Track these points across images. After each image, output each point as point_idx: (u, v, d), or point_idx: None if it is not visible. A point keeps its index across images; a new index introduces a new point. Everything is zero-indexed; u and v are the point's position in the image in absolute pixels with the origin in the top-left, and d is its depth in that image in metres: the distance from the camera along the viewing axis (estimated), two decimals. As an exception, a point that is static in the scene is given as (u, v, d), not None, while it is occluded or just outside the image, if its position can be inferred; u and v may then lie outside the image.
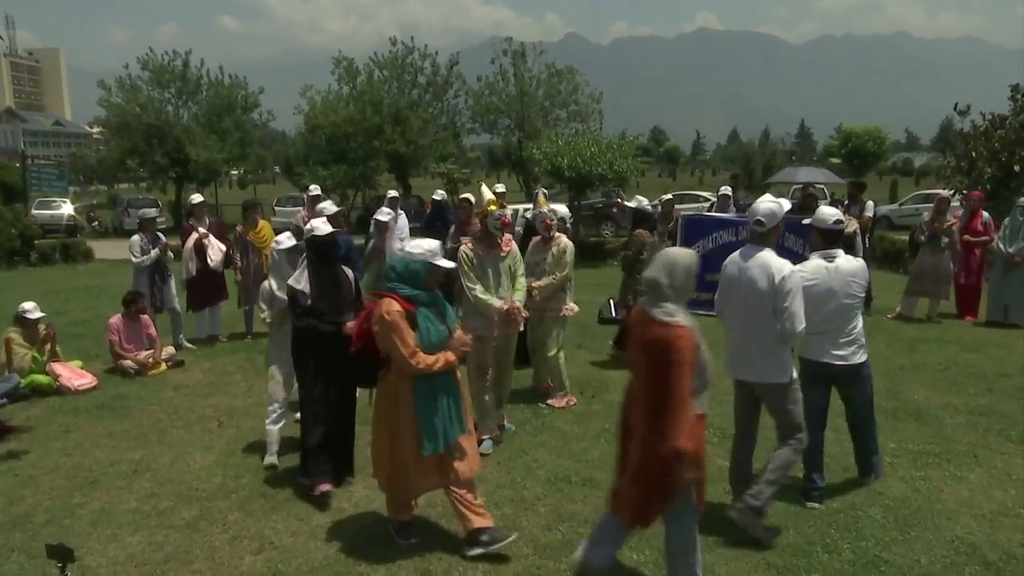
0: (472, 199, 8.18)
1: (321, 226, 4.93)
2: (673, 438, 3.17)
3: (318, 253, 4.91)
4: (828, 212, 4.73)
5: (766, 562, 4.00)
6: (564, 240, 6.69)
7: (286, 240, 5.40)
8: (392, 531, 4.28)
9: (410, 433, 3.96)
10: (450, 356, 3.99)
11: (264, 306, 5.48)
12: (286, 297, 5.01)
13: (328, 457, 4.90)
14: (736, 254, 4.47)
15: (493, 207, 5.61)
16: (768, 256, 4.27)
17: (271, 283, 5.38)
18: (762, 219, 4.31)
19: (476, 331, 5.43)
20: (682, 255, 3.43)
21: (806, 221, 4.95)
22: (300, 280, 4.85)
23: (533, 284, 6.26)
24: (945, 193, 10.41)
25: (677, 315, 3.29)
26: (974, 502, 4.70)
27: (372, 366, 4.08)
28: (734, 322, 4.55)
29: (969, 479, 5.06)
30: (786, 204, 4.47)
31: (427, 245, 4.03)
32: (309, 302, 4.80)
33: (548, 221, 6.61)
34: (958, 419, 6.15)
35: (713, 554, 4.09)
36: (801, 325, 4.12)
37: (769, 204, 4.36)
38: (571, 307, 6.76)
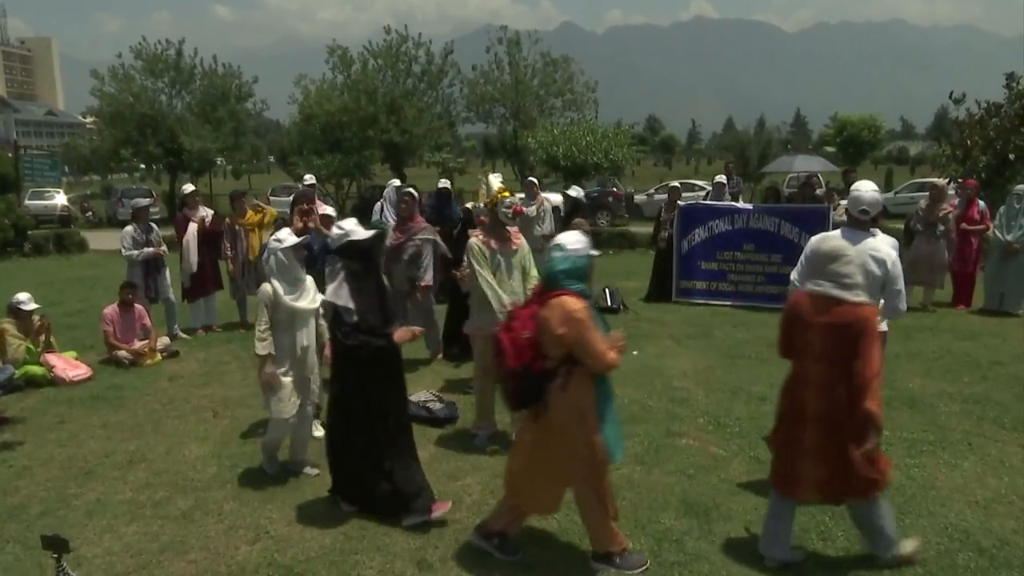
0: (415, 193, 7.93)
1: (357, 228, 4.40)
2: (871, 402, 3.44)
3: (361, 260, 4.37)
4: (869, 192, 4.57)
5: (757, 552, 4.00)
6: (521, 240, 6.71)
7: (288, 237, 4.82)
8: (495, 546, 3.97)
9: (592, 443, 3.64)
10: (617, 351, 3.66)
11: (264, 320, 4.72)
12: (297, 306, 4.68)
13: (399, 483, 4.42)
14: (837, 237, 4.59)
15: (505, 194, 5.45)
16: (878, 242, 4.47)
17: (273, 287, 4.72)
18: (867, 208, 4.49)
19: (484, 330, 5.25)
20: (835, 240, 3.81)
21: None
22: (340, 294, 4.28)
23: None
24: (940, 181, 10.40)
25: (863, 295, 3.55)
26: (968, 489, 4.72)
27: (542, 379, 3.59)
28: None
29: (963, 467, 5.07)
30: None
31: (583, 239, 3.74)
32: (355, 318, 4.25)
33: (516, 207, 6.46)
34: (952, 407, 6.17)
35: (706, 542, 4.10)
36: (905, 305, 4.52)
37: (873, 193, 4.56)
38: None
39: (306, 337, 4.84)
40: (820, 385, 3.58)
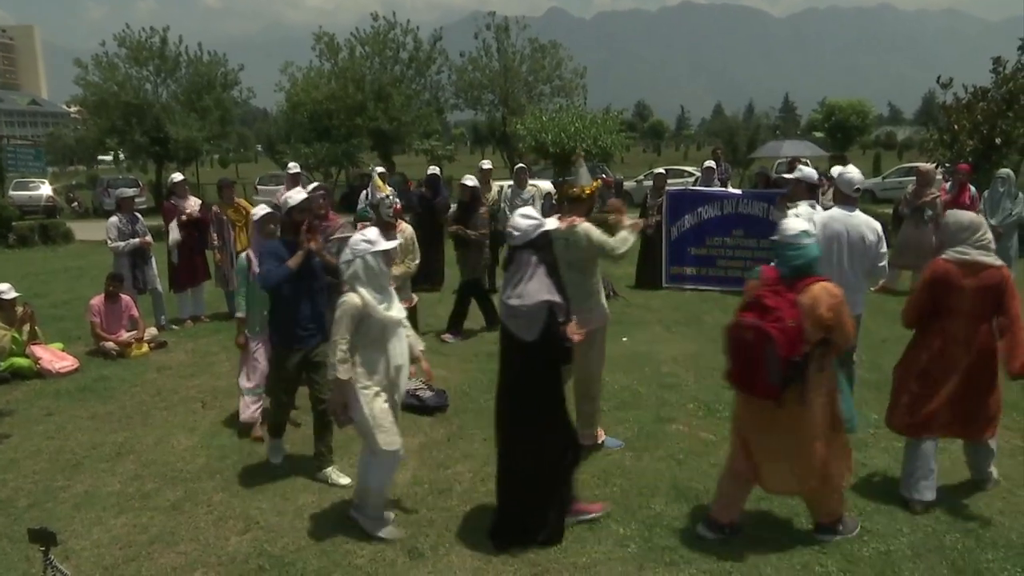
0: (327, 188, 7.81)
1: (544, 219, 4.04)
2: (1020, 357, 4.01)
3: (551, 251, 4.06)
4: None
5: (749, 534, 4.03)
6: (407, 227, 6.78)
7: (379, 238, 4.06)
8: (844, 529, 3.98)
9: (838, 418, 3.86)
10: None
11: (345, 336, 3.95)
12: (391, 316, 4.02)
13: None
14: (836, 214, 5.28)
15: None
16: (866, 216, 5.30)
17: (362, 296, 3.95)
18: (860, 186, 5.39)
19: (590, 325, 4.66)
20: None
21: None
22: (551, 290, 3.80)
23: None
24: (926, 166, 10.41)
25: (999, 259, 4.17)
26: (955, 471, 4.75)
27: (802, 366, 3.62)
28: (836, 267, 5.13)
29: (950, 449, 5.09)
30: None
31: (803, 225, 3.81)
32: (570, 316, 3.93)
33: (397, 207, 6.47)
34: (940, 390, 6.20)
35: (695, 526, 4.11)
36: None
37: (860, 175, 5.47)
38: (412, 298, 6.83)
39: (399, 354, 4.12)
40: (969, 341, 4.14)
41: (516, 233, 3.87)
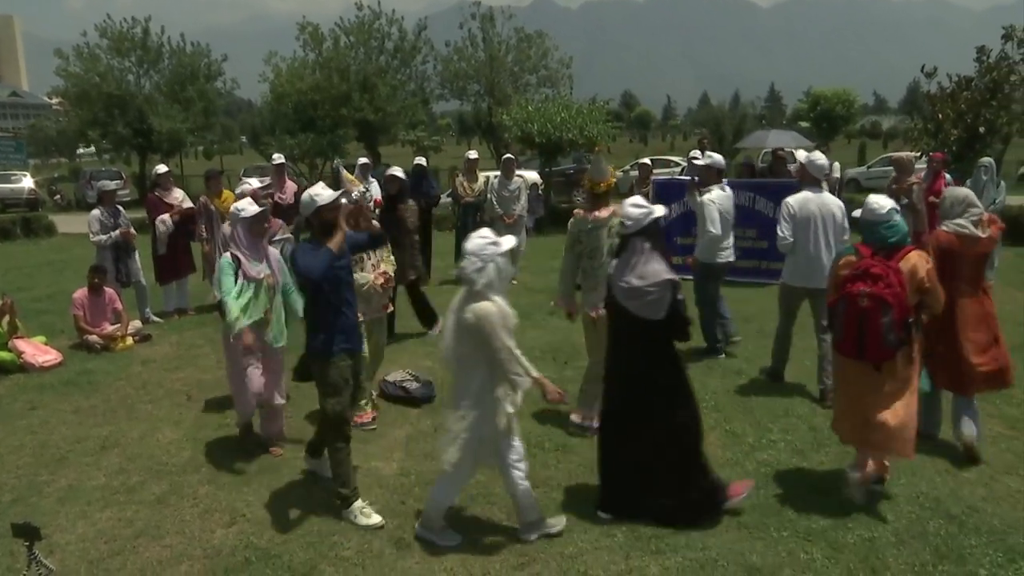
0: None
1: (654, 207, 4.10)
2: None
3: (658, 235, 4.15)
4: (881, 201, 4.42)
5: (737, 522, 4.06)
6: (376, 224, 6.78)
7: (505, 239, 3.77)
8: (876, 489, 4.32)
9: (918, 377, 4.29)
10: None
11: (512, 345, 3.67)
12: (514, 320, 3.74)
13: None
14: (809, 196, 5.83)
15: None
16: (831, 196, 6.04)
17: (498, 305, 3.66)
18: (828, 170, 6.12)
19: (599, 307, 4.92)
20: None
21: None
22: (669, 270, 3.98)
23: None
24: (905, 154, 10.41)
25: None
26: (938, 458, 4.80)
27: (910, 327, 4.04)
28: (810, 244, 5.76)
29: (935, 436, 5.15)
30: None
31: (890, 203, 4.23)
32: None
33: (377, 200, 6.61)
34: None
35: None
36: None
37: (826, 160, 6.22)
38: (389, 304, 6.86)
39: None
40: (971, 300, 4.65)
41: (629, 222, 4.03)
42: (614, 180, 5.34)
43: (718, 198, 6.67)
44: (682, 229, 10.57)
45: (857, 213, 4.46)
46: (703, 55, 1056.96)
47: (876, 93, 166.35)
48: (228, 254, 4.80)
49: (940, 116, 14.76)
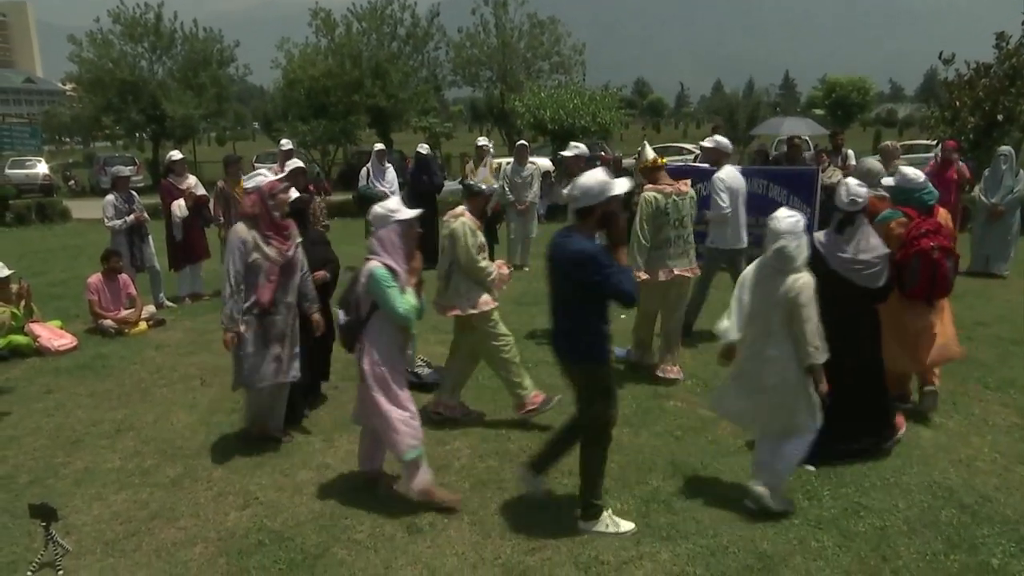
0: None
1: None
2: None
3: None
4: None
5: (747, 510, 4.05)
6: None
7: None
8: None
9: None
10: None
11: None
12: None
13: None
14: (733, 172, 6.69)
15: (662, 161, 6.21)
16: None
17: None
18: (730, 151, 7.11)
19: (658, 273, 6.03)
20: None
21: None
22: (883, 244, 4.58)
23: None
24: (891, 143, 10.25)
25: None
26: (952, 448, 4.79)
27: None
28: (739, 211, 7.10)
29: (947, 426, 5.14)
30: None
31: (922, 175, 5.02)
32: None
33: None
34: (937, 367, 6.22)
35: (693, 502, 4.14)
36: None
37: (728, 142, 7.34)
38: None
39: None
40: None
41: (860, 200, 4.41)
42: (662, 159, 6.23)
43: (727, 175, 6.87)
44: (693, 217, 10.49)
45: (888, 181, 5.26)
46: (717, 42, 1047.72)
47: (892, 80, 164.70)
48: (381, 264, 3.93)
49: (957, 103, 14.62)
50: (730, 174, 7.02)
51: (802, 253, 3.85)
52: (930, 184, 5.01)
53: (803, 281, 3.82)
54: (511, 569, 3.61)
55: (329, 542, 3.86)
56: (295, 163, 7.56)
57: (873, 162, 6.37)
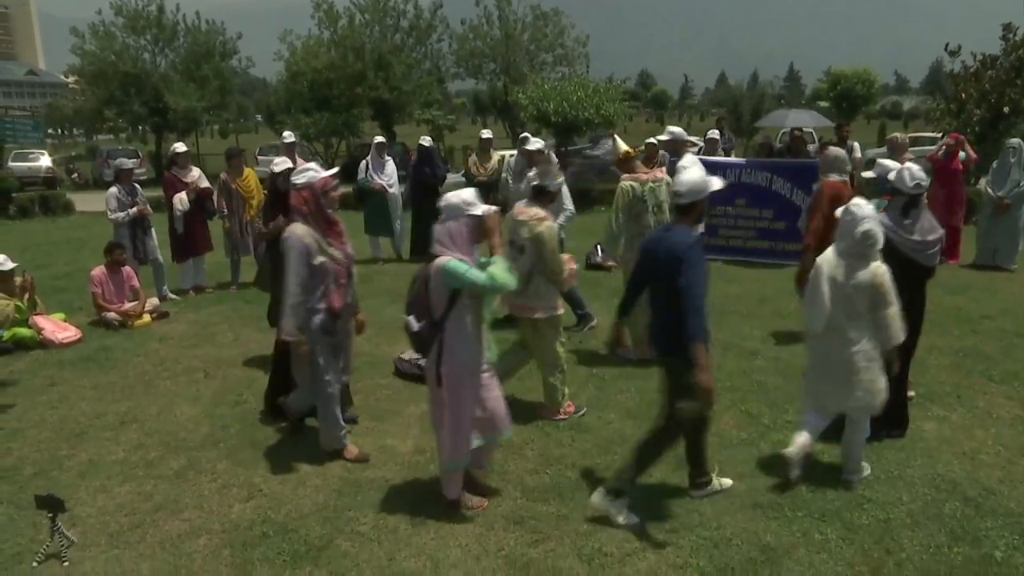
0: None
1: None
2: None
3: None
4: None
5: (752, 501, 4.06)
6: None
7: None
8: None
9: None
10: None
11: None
12: None
13: None
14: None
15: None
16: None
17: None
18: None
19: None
20: None
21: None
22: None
23: None
24: (899, 135, 10.17)
25: None
26: (956, 441, 4.78)
27: None
28: None
29: (951, 419, 5.13)
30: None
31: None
32: None
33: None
34: (942, 360, 6.21)
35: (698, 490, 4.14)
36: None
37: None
38: None
39: None
40: None
41: (924, 183, 4.56)
42: (637, 148, 6.59)
43: (688, 163, 6.93)
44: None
45: (869, 174, 5.54)
46: (721, 33, 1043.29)
47: (897, 72, 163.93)
48: (452, 257, 3.72)
49: (963, 95, 14.53)
50: (691, 161, 7.01)
51: (881, 236, 4.03)
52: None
53: (884, 266, 4.04)
54: (514, 561, 3.62)
55: (333, 534, 3.87)
56: (284, 163, 6.45)
57: (837, 150, 6.67)
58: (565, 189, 7.13)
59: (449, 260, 3.71)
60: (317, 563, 3.64)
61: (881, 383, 4.12)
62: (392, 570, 3.58)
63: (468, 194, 3.82)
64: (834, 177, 6.10)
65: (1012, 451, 4.63)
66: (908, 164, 4.71)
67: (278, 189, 6.08)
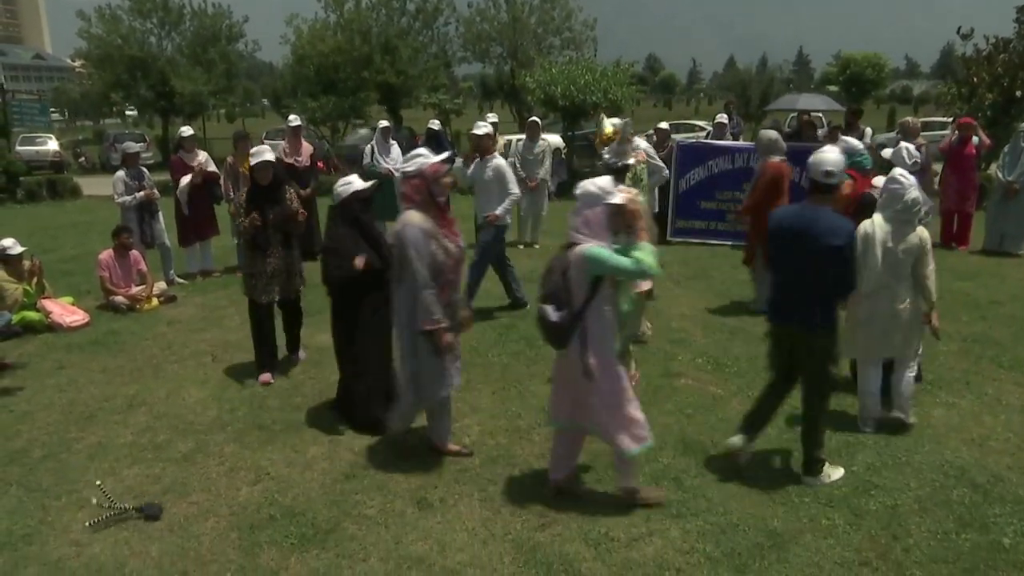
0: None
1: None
2: None
3: None
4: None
5: (759, 488, 4.05)
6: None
7: None
8: None
9: None
10: None
11: None
12: None
13: None
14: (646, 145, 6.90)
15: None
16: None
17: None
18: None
19: None
20: None
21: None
22: None
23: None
24: (911, 119, 10.08)
25: None
26: (964, 427, 4.76)
27: None
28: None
29: (960, 405, 5.10)
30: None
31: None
32: None
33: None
34: (951, 347, 6.18)
35: (703, 480, 4.14)
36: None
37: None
38: None
39: None
40: None
41: (921, 161, 5.16)
42: (617, 132, 6.28)
43: (646, 146, 7.28)
44: (705, 194, 10.43)
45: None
46: (729, 16, 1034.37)
47: (908, 56, 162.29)
48: (591, 245, 3.65)
49: (975, 79, 14.37)
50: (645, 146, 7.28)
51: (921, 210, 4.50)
52: (867, 152, 5.99)
53: (924, 234, 4.48)
54: (521, 545, 3.63)
55: (340, 517, 3.89)
56: (262, 152, 5.66)
57: (770, 132, 7.15)
58: (510, 173, 7.23)
59: (592, 247, 3.62)
60: (324, 546, 3.65)
61: (920, 335, 4.65)
62: (399, 553, 3.59)
63: (605, 182, 3.71)
64: (775, 158, 6.79)
65: (1021, 438, 4.60)
66: (902, 143, 5.00)
67: (257, 182, 5.57)
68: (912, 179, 4.51)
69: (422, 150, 4.39)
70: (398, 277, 4.17)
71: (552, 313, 3.67)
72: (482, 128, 7.64)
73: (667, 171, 7.82)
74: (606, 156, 5.95)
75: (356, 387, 4.87)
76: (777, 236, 4.07)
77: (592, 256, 3.59)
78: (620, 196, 3.67)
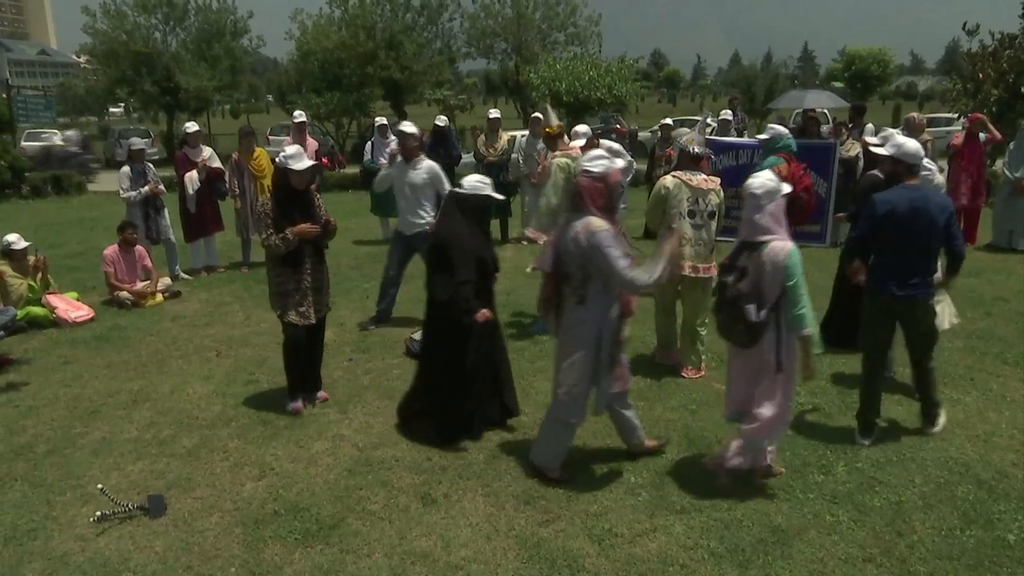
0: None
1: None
2: None
3: None
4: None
5: (763, 482, 4.04)
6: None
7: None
8: None
9: None
10: None
11: None
12: None
13: None
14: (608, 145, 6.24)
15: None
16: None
17: None
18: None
19: None
20: None
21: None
22: None
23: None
24: (916, 115, 10.03)
25: None
26: (969, 423, 4.75)
27: None
28: None
29: (965, 401, 5.09)
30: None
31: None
32: None
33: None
34: (956, 343, 6.16)
35: (707, 475, 4.13)
36: None
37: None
38: None
39: None
40: None
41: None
42: (560, 126, 6.69)
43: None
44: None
45: (763, 136, 6.76)
46: (734, 12, 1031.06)
47: (913, 52, 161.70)
48: (790, 244, 3.76)
49: (980, 75, 14.30)
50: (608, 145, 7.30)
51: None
52: (790, 134, 6.51)
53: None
54: (525, 540, 3.63)
55: (343, 512, 3.89)
56: (300, 154, 5.43)
57: (686, 130, 7.36)
58: (443, 172, 6.88)
59: (794, 247, 3.76)
60: (328, 542, 3.66)
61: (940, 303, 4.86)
62: (403, 549, 3.59)
63: (769, 175, 3.89)
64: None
65: (1026, 434, 4.59)
66: (894, 134, 5.12)
67: (292, 188, 4.89)
68: (935, 166, 4.90)
69: (602, 152, 4.18)
70: (580, 295, 3.87)
71: (754, 313, 3.77)
72: (408, 126, 7.03)
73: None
74: (686, 145, 5.89)
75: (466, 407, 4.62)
76: (892, 217, 4.28)
77: (795, 257, 3.74)
78: (786, 186, 3.90)
